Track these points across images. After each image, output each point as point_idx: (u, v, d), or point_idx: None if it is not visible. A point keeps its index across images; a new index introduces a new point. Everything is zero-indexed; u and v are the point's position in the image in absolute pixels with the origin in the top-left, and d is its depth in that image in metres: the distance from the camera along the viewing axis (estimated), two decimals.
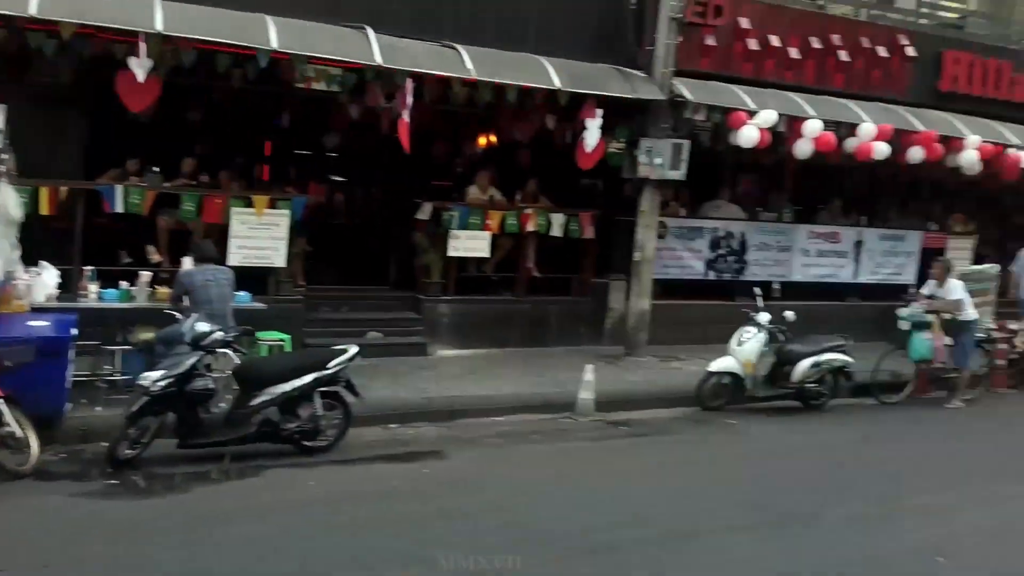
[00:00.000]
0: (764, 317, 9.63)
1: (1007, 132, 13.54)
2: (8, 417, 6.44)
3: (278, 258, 10.35)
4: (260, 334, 8.82)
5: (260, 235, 10.26)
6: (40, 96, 9.16)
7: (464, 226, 11.47)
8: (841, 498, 6.85)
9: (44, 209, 9.09)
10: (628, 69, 11.59)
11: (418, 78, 9.96)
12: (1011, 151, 13.21)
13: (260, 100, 11.67)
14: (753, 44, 12.50)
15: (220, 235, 10.02)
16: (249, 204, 10.24)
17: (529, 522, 6.07)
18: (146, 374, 6.98)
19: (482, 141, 13.62)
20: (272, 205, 10.34)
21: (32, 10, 8.48)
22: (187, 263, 9.12)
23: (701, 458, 7.94)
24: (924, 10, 14.77)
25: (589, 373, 9.06)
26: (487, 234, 11.59)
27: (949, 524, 6.37)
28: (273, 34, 9.28)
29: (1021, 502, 6.99)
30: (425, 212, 11.84)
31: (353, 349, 7.73)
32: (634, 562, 5.45)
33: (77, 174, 9.89)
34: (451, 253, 11.47)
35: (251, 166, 12.09)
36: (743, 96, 11.84)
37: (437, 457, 7.55)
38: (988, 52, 14.41)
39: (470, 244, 11.59)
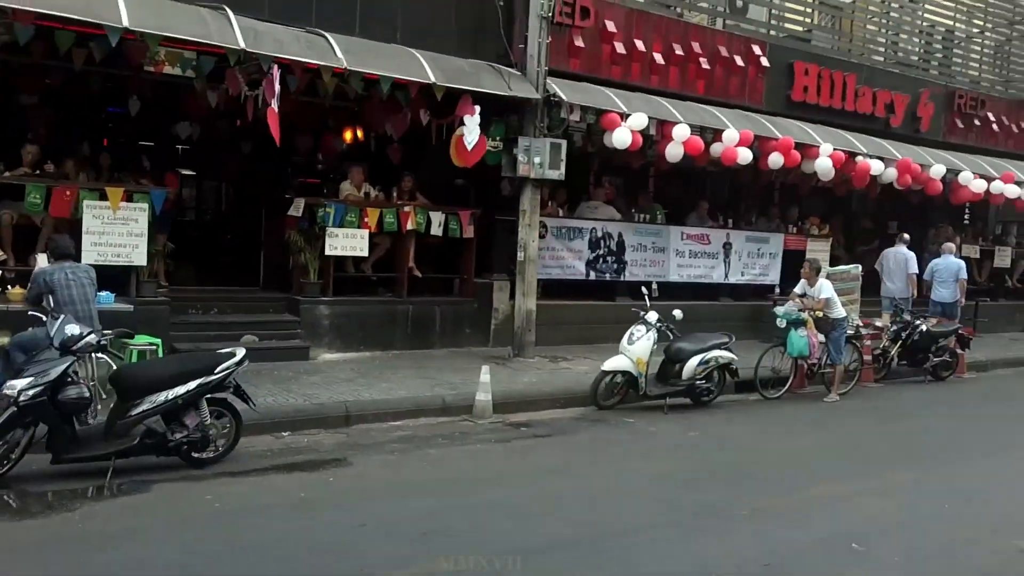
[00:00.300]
0: (653, 316, 9.72)
1: (856, 141, 14.41)
2: None
3: (138, 256, 9.60)
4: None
5: (116, 231, 9.51)
6: None
7: (340, 223, 11.04)
8: (747, 490, 6.96)
9: None
10: (500, 66, 11.50)
11: (284, 66, 9.39)
12: (861, 159, 14.07)
13: (102, 83, 10.80)
14: (620, 48, 12.73)
15: (69, 230, 9.12)
16: (102, 196, 9.43)
17: (452, 528, 5.79)
18: (11, 383, 6.22)
19: (348, 135, 13.17)
20: (128, 198, 9.58)
21: None
22: (41, 260, 8.26)
23: (606, 457, 7.88)
24: (773, 22, 15.50)
25: (485, 374, 8.84)
26: (365, 232, 11.21)
27: (855, 512, 6.56)
28: (124, 11, 8.46)
29: (916, 488, 7.31)
30: (297, 208, 11.31)
31: (240, 352, 7.18)
32: (566, 563, 5.29)
33: None
34: (329, 252, 10.99)
35: (96, 155, 11.12)
36: (615, 98, 12.00)
37: (340, 465, 7.11)
38: (834, 65, 15.34)
39: (348, 243, 11.16)
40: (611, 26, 12.67)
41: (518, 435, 8.36)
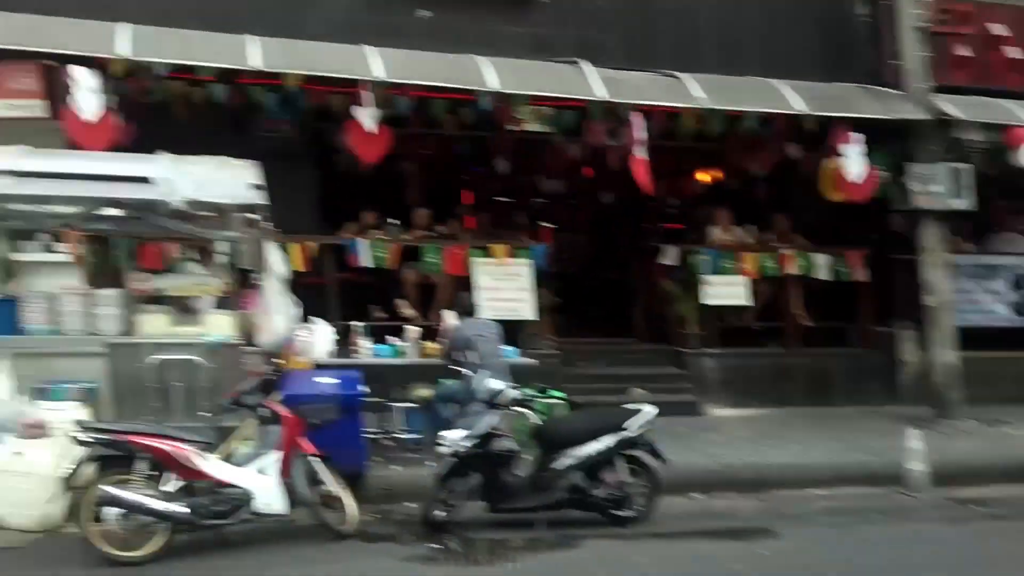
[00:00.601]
0: None
1: None
2: (326, 476, 6.11)
3: (526, 310, 9.71)
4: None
5: (505, 286, 9.74)
6: (267, 151, 8.42)
7: (716, 271, 10.51)
8: None
9: (295, 265, 8.88)
10: (874, 87, 10.44)
11: (643, 111, 9.17)
12: None
13: (469, 146, 11.29)
14: (1015, 52, 11.11)
15: (460, 287, 9.48)
16: (486, 254, 9.78)
17: None
18: (445, 434, 6.44)
19: (704, 176, 12.64)
20: (511, 254, 9.84)
21: (255, 62, 8.30)
22: (451, 317, 8.53)
23: None
24: None
25: (915, 440, 7.65)
26: (744, 279, 10.55)
27: None
28: (492, 75, 8.79)
29: None
30: (670, 256, 10.89)
31: (650, 409, 6.83)
32: None
33: (315, 228, 9.78)
34: (707, 301, 10.46)
35: (473, 215, 11.56)
36: (1020, 111, 10.34)
37: (768, 536, 6.42)
38: None
39: (725, 291, 10.59)
40: (998, 29, 11.14)
41: (971, 515, 7.10)
